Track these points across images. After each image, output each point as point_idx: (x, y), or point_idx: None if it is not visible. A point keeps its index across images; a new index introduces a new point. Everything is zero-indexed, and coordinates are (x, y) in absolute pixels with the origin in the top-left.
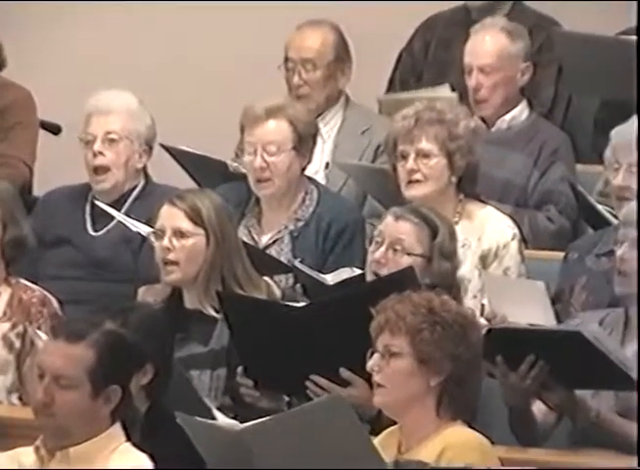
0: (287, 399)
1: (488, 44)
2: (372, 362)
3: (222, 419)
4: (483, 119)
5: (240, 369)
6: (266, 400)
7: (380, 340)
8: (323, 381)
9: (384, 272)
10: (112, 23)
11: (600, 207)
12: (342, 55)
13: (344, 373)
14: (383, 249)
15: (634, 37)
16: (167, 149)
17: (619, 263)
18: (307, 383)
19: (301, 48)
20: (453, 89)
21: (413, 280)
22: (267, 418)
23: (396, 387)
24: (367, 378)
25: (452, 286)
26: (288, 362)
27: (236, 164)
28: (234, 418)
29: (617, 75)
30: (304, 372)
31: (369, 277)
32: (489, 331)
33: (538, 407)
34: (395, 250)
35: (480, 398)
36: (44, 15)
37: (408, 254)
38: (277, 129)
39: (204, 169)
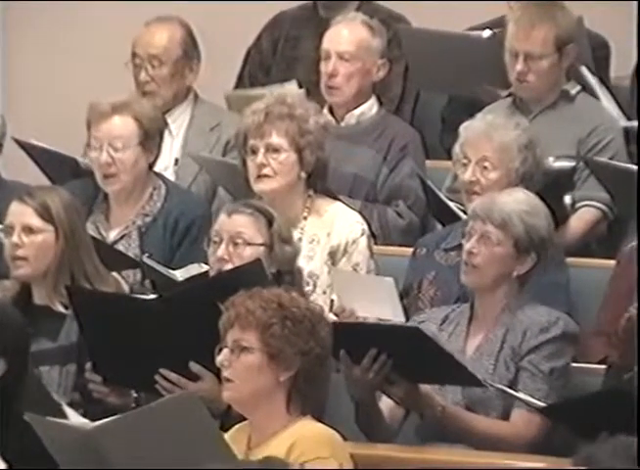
0: (135, 395)
1: (350, 33)
2: (221, 357)
3: (72, 416)
4: (332, 114)
5: (88, 365)
6: (115, 396)
7: (229, 335)
8: (172, 375)
9: (228, 268)
10: None
11: (449, 202)
12: (189, 51)
13: (194, 367)
14: (223, 246)
15: (480, 33)
16: (20, 143)
17: (467, 256)
18: (157, 377)
19: (148, 44)
20: (300, 86)
21: (261, 272)
22: (118, 416)
23: (246, 382)
24: (217, 372)
25: (294, 271)
26: (137, 357)
27: (87, 160)
28: (84, 415)
29: (463, 72)
30: (154, 367)
31: None
32: (333, 325)
33: (386, 403)
34: (236, 244)
35: (330, 394)
36: None
37: (249, 244)
38: (122, 125)
39: (55, 165)
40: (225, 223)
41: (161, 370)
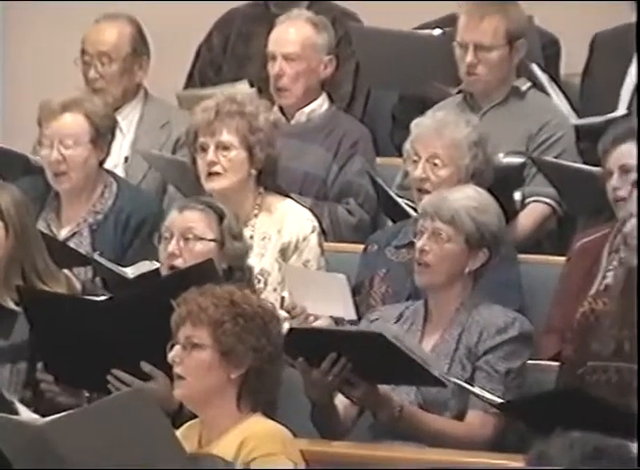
0: (87, 394)
1: (294, 33)
2: (173, 354)
3: (25, 412)
4: (282, 112)
5: (40, 365)
6: (66, 396)
7: (181, 331)
8: (124, 375)
9: (179, 263)
10: None
11: (399, 199)
12: (139, 49)
13: (145, 367)
14: (174, 241)
15: (430, 32)
16: None
17: (419, 255)
18: (109, 377)
19: (97, 41)
20: (252, 84)
21: (212, 271)
22: (69, 412)
23: (197, 379)
24: (168, 372)
25: (244, 267)
26: (89, 358)
27: (39, 158)
28: (35, 412)
29: (413, 70)
30: (106, 367)
31: (164, 273)
32: (291, 330)
33: (340, 400)
34: (187, 239)
35: (282, 390)
36: None
37: (200, 239)
38: (73, 123)
39: (5, 162)
40: (176, 219)
41: (113, 370)
